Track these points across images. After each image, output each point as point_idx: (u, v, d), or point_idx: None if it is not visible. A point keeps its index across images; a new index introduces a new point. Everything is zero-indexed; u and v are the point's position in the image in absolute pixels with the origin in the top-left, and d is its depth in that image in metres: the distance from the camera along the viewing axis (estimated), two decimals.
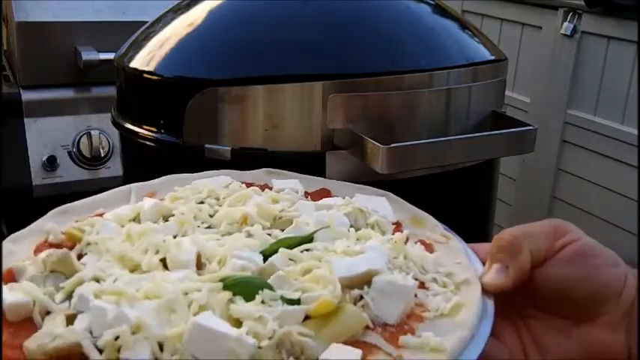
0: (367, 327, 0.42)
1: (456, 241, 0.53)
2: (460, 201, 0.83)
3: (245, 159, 0.74)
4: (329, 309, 0.41)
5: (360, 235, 0.51)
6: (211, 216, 0.54)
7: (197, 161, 0.75)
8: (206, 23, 0.81)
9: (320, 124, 0.72)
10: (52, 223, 0.52)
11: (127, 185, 0.60)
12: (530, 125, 0.78)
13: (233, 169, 0.63)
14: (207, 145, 0.74)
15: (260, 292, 0.42)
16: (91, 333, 0.40)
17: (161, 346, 0.39)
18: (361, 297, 0.44)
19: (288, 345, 0.39)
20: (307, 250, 0.48)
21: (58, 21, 1.30)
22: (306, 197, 0.59)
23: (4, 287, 0.44)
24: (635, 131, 1.75)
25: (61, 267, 0.47)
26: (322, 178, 0.62)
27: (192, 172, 0.78)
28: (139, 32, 0.88)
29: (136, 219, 0.54)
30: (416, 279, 0.46)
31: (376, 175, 0.69)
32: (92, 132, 1.32)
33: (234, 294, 0.42)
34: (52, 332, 0.40)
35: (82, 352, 0.39)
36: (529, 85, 2.08)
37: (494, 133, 0.78)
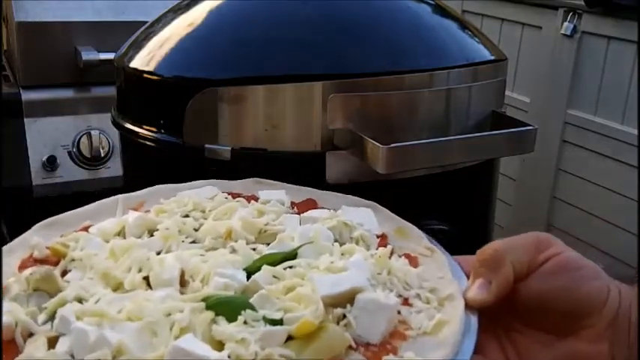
0: (350, 347, 0.42)
1: (440, 254, 0.53)
2: (460, 201, 0.83)
3: (245, 159, 0.74)
4: (310, 329, 0.41)
5: (344, 250, 0.51)
6: (196, 230, 0.54)
7: (197, 161, 0.75)
8: (206, 23, 0.81)
9: (320, 124, 0.72)
10: (37, 238, 0.52)
11: (115, 196, 0.59)
12: (530, 125, 0.78)
13: (222, 180, 0.63)
14: (207, 145, 0.74)
15: (242, 312, 0.42)
16: (72, 357, 0.40)
17: None
18: (344, 316, 0.44)
19: None
20: (291, 267, 0.48)
21: (58, 21, 1.30)
22: (292, 208, 0.59)
23: None
24: (635, 131, 1.75)
25: (44, 285, 0.46)
26: (309, 188, 0.62)
27: (192, 173, 0.78)
28: (139, 32, 0.88)
29: (121, 232, 0.53)
30: (400, 295, 0.47)
31: (376, 175, 0.69)
32: (92, 132, 1.32)
33: (217, 314, 0.42)
34: (33, 356, 0.40)
35: None
36: (529, 85, 2.08)
37: (494, 133, 0.78)
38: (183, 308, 0.42)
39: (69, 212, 0.57)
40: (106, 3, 1.35)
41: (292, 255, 0.49)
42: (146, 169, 0.85)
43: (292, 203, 0.60)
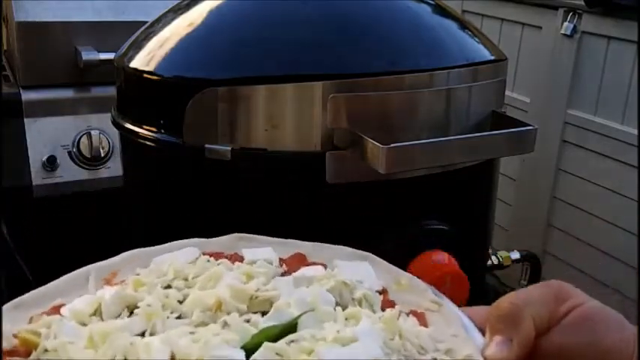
0: None
1: (448, 308, 0.50)
2: (460, 201, 0.83)
3: (245, 159, 0.74)
4: None
5: (349, 315, 0.47)
6: (180, 302, 0.50)
7: (197, 161, 0.75)
8: (206, 23, 0.81)
9: (320, 124, 0.72)
10: (6, 324, 0.46)
11: (85, 267, 0.55)
12: (530, 125, 0.78)
13: (200, 239, 0.58)
14: (207, 145, 0.74)
15: None
16: None
17: None
18: None
19: None
20: (293, 340, 0.44)
21: (58, 21, 1.30)
22: (281, 265, 0.55)
23: None
24: (635, 131, 1.75)
25: None
26: (295, 241, 0.58)
27: (192, 173, 0.78)
28: (139, 32, 0.88)
29: (97, 312, 0.49)
30: None
31: (376, 175, 0.69)
32: (92, 132, 1.32)
33: None
34: None
35: None
36: (529, 85, 2.08)
37: (494, 133, 0.78)
38: None
39: (35, 291, 0.51)
40: (106, 3, 1.34)
41: (292, 326, 0.46)
42: (146, 169, 0.86)
43: (280, 260, 0.56)
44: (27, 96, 1.29)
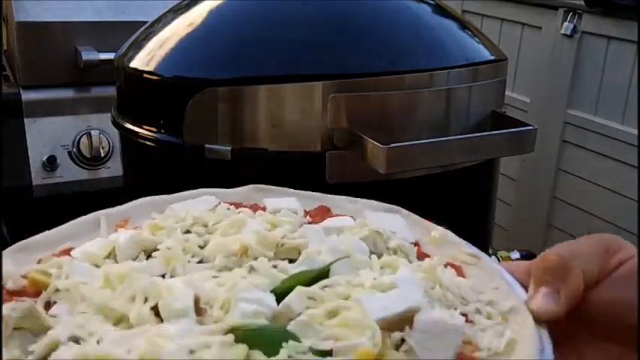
0: None
1: (487, 261, 0.47)
2: (460, 201, 0.83)
3: (245, 159, 0.74)
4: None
5: (385, 264, 0.45)
6: (201, 247, 0.47)
7: (197, 161, 0.75)
8: (206, 23, 0.81)
9: (320, 124, 0.72)
10: (10, 265, 0.43)
11: (95, 213, 0.51)
12: (530, 125, 0.78)
13: (217, 189, 0.55)
14: (207, 145, 0.74)
15: (284, 344, 0.35)
16: None
17: None
18: (402, 340, 0.37)
19: None
20: (327, 286, 0.41)
21: (58, 21, 1.30)
22: (305, 216, 0.52)
23: None
24: (635, 131, 1.75)
25: (27, 323, 0.38)
26: (318, 194, 0.55)
27: (192, 173, 0.78)
28: (139, 32, 0.88)
29: (111, 255, 0.46)
30: (459, 312, 0.41)
31: (376, 175, 0.69)
32: (92, 132, 1.32)
33: (251, 347, 0.35)
34: None
35: None
36: (529, 85, 2.08)
37: (494, 133, 0.78)
38: (209, 343, 0.35)
39: (42, 234, 0.48)
40: (106, 3, 1.34)
41: (325, 273, 0.43)
42: (146, 169, 0.85)
43: (304, 211, 0.53)
44: (27, 96, 1.29)
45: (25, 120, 1.29)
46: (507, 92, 1.00)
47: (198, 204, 0.52)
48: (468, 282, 0.44)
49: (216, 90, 0.73)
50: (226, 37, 0.79)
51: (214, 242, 0.46)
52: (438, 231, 0.50)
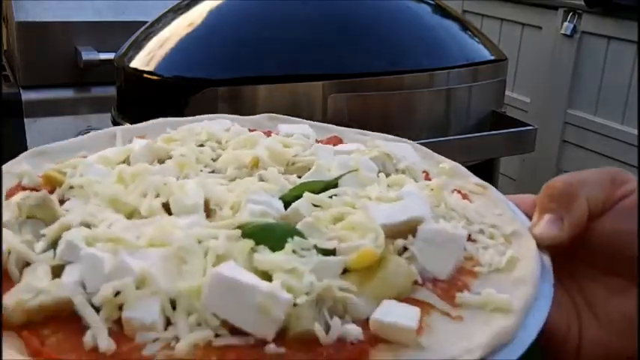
0: (415, 282, 0.36)
1: (493, 192, 0.47)
2: None
3: None
4: (371, 260, 0.35)
5: (392, 182, 0.45)
6: (214, 160, 0.47)
7: None
8: (206, 23, 0.81)
9: None
10: (26, 165, 0.44)
11: (110, 128, 0.53)
12: (530, 125, 0.78)
13: (232, 115, 0.56)
14: None
15: (289, 239, 0.35)
16: (83, 287, 0.33)
17: (173, 304, 0.32)
18: (405, 248, 0.38)
19: (330, 302, 0.32)
20: (335, 195, 0.41)
21: (58, 21, 1.30)
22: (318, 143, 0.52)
23: None
24: (635, 131, 1.75)
25: (40, 212, 0.39)
26: (331, 125, 0.56)
27: None
28: (139, 32, 0.88)
29: (126, 161, 0.46)
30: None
31: None
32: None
33: (257, 243, 0.35)
34: (34, 286, 0.32)
35: (73, 310, 0.32)
36: (529, 85, 2.08)
37: (494, 133, 0.78)
38: (217, 235, 0.35)
39: (58, 142, 0.50)
40: (106, 3, 1.35)
41: (333, 185, 0.43)
42: None
43: (316, 141, 0.52)
44: (27, 96, 1.29)
45: (25, 120, 1.29)
46: (507, 92, 1.01)
47: (213, 124, 0.52)
48: (472, 205, 0.44)
49: (216, 90, 0.73)
50: (226, 37, 0.79)
51: (226, 155, 0.46)
52: (448, 162, 0.50)
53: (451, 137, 0.76)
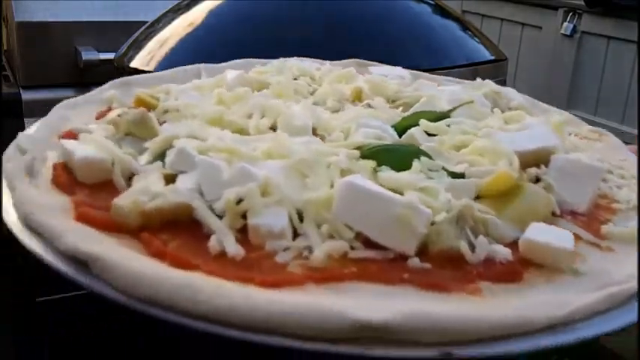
0: (553, 214, 0.34)
1: (612, 138, 0.46)
2: None
3: None
4: (507, 184, 0.33)
5: (509, 117, 0.42)
6: (311, 94, 0.45)
7: None
8: (206, 23, 0.81)
9: None
10: (113, 91, 0.43)
11: (193, 65, 0.52)
12: None
13: (316, 59, 0.55)
14: None
15: (417, 160, 0.33)
16: (200, 195, 0.31)
17: (299, 215, 0.30)
18: (537, 179, 0.36)
19: (470, 222, 0.30)
20: (452, 125, 0.39)
21: (58, 21, 1.30)
22: None
23: (72, 142, 0.35)
24: (635, 131, 1.75)
25: (138, 129, 0.37)
26: (425, 73, 0.54)
27: None
28: (139, 32, 0.88)
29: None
30: None
31: None
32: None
33: (379, 164, 0.33)
34: (150, 190, 0.30)
35: (190, 216, 0.30)
36: (529, 85, 2.08)
37: None
38: (337, 152, 0.33)
39: (141, 75, 0.49)
40: (106, 3, 1.34)
41: (447, 116, 0.41)
42: None
43: None
44: (27, 96, 1.29)
45: (25, 120, 1.28)
46: None
47: (303, 63, 0.51)
48: (596, 146, 0.43)
49: None
50: (226, 37, 0.79)
51: (324, 88, 0.44)
52: (560, 112, 0.49)
53: None
